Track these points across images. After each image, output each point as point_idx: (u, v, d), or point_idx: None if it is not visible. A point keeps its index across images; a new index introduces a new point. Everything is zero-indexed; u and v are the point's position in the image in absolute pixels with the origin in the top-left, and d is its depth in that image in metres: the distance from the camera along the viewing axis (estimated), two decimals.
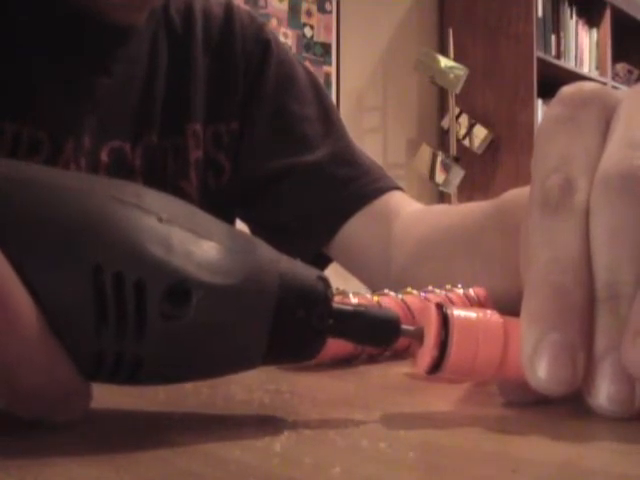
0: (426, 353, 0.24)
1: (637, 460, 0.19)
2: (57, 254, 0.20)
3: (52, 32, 0.58)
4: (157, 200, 0.21)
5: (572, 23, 3.33)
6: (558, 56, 3.20)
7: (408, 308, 0.35)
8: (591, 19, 3.43)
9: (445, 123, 3.02)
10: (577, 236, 0.23)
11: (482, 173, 3.01)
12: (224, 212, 0.65)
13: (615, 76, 3.56)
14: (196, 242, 0.21)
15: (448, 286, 0.40)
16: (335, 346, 0.28)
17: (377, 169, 0.69)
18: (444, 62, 2.76)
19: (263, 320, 0.22)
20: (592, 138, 0.25)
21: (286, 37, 2.62)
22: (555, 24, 3.22)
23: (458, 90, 2.78)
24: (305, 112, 0.70)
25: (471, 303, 0.39)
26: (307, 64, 2.35)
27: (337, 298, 0.23)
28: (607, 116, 0.26)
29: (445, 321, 0.23)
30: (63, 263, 0.20)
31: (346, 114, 2.54)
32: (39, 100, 0.58)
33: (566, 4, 3.30)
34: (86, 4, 0.57)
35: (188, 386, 0.27)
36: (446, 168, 2.83)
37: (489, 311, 0.24)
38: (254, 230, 0.71)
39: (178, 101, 0.65)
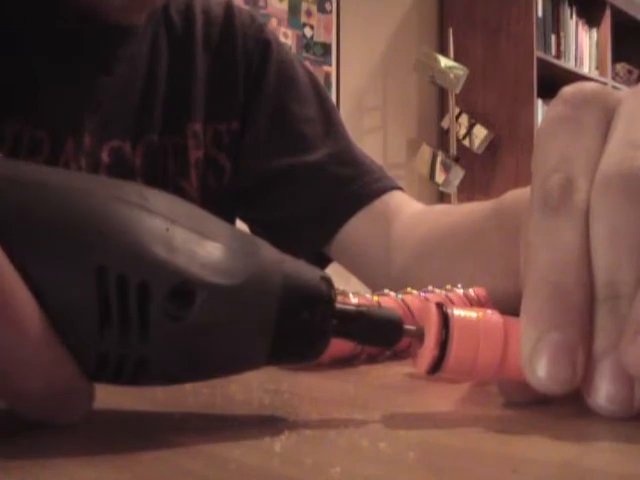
0: (426, 353, 0.24)
1: (637, 460, 0.19)
2: (61, 255, 0.20)
3: (52, 32, 0.58)
4: (160, 201, 0.21)
5: (572, 23, 3.33)
6: (558, 56, 3.20)
7: (408, 308, 0.35)
8: (591, 19, 3.43)
9: (445, 123, 3.02)
10: (577, 236, 0.23)
11: (482, 173, 3.01)
12: (224, 212, 0.65)
13: (615, 76, 3.56)
14: (200, 243, 0.21)
15: (448, 286, 0.40)
16: (335, 346, 0.28)
17: (377, 169, 0.69)
18: (444, 62, 2.76)
19: (267, 320, 0.21)
20: (593, 138, 0.25)
21: (286, 37, 2.62)
22: (555, 24, 3.22)
23: (458, 90, 2.78)
24: (305, 112, 0.70)
25: (471, 303, 0.39)
26: (307, 64, 2.35)
27: (338, 298, 0.23)
28: (608, 116, 0.26)
29: (445, 321, 0.23)
30: (67, 264, 0.20)
31: (346, 114, 2.54)
32: (39, 100, 0.58)
33: (566, 4, 3.30)
34: (86, 4, 0.57)
35: (188, 386, 0.27)
36: (446, 168, 2.83)
37: (489, 311, 0.24)
38: (254, 230, 0.71)
39: (178, 101, 0.65)
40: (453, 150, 2.86)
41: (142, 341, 0.20)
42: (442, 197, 2.99)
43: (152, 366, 0.21)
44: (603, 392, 0.22)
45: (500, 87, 2.99)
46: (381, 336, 0.24)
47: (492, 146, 2.97)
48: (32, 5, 0.57)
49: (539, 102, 2.96)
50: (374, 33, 2.93)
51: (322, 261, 0.68)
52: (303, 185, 0.67)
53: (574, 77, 3.04)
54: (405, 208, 0.66)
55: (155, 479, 0.18)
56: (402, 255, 0.63)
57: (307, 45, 2.71)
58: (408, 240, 0.62)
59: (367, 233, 0.66)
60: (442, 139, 3.10)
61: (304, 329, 0.22)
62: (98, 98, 0.60)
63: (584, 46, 3.38)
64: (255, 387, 0.29)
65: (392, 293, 0.37)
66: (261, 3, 2.55)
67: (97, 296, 0.20)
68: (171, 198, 0.22)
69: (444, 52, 2.92)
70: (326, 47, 2.76)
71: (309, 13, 2.72)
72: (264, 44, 0.70)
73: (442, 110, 3.11)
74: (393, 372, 0.33)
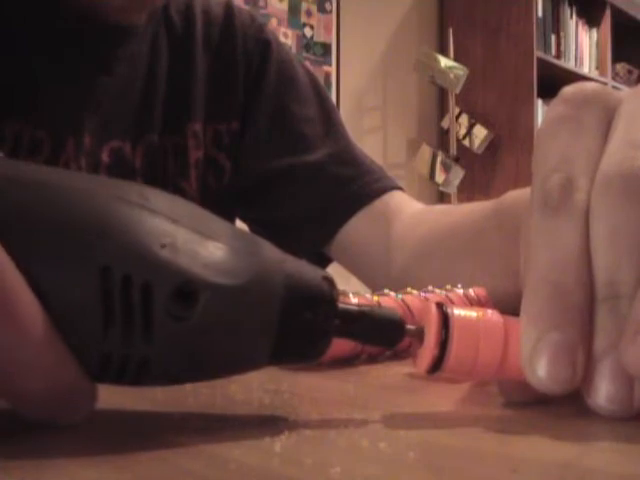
0: (426, 353, 0.24)
1: (637, 460, 0.19)
2: (63, 255, 0.20)
3: (52, 32, 0.58)
4: (162, 200, 0.21)
5: (572, 23, 3.33)
6: (558, 56, 3.20)
7: (408, 308, 0.35)
8: (591, 19, 3.43)
9: (445, 123, 3.02)
10: (577, 236, 0.23)
11: (482, 173, 3.01)
12: (224, 212, 0.64)
13: (615, 76, 3.56)
14: (202, 243, 0.21)
15: (448, 286, 0.40)
16: (335, 346, 0.28)
17: (377, 169, 0.70)
18: (444, 62, 2.76)
19: (269, 320, 0.21)
20: (593, 138, 0.25)
21: (286, 37, 2.62)
22: (555, 24, 3.22)
23: (458, 90, 2.78)
24: (305, 112, 0.70)
25: (471, 303, 0.39)
26: (307, 64, 2.34)
27: (339, 298, 0.23)
28: (608, 116, 0.26)
29: (445, 320, 0.23)
30: (69, 264, 0.20)
31: (346, 114, 2.54)
32: (39, 100, 0.58)
33: (566, 4, 3.30)
34: (86, 4, 0.57)
35: (188, 386, 0.27)
36: (446, 168, 2.83)
37: (489, 311, 0.24)
38: (254, 230, 0.71)
39: (178, 101, 0.65)
40: (453, 150, 2.86)
41: (145, 341, 0.20)
42: (442, 197, 2.99)
43: (155, 366, 0.21)
44: (603, 392, 0.22)
45: (500, 87, 2.99)
46: (383, 336, 0.24)
47: (492, 146, 2.98)
48: (32, 5, 0.57)
49: (539, 102, 2.96)
50: (374, 33, 2.93)
51: (322, 261, 0.68)
52: (303, 185, 0.67)
53: (574, 77, 3.04)
54: (405, 208, 0.66)
55: (155, 479, 0.18)
56: (402, 255, 0.63)
57: (307, 45, 2.71)
58: (408, 240, 0.62)
59: (367, 233, 0.66)
60: (442, 139, 3.10)
61: (306, 329, 0.22)
62: (98, 98, 0.60)
63: (584, 46, 3.38)
64: (255, 387, 0.29)
65: (392, 293, 0.37)
66: (261, 3, 2.55)
67: (101, 296, 0.20)
68: (172, 198, 0.22)
69: (444, 52, 2.92)
70: (326, 47, 2.76)
71: (309, 13, 2.72)
72: (264, 44, 0.70)
73: (442, 110, 3.11)
74: (393, 372, 0.33)
